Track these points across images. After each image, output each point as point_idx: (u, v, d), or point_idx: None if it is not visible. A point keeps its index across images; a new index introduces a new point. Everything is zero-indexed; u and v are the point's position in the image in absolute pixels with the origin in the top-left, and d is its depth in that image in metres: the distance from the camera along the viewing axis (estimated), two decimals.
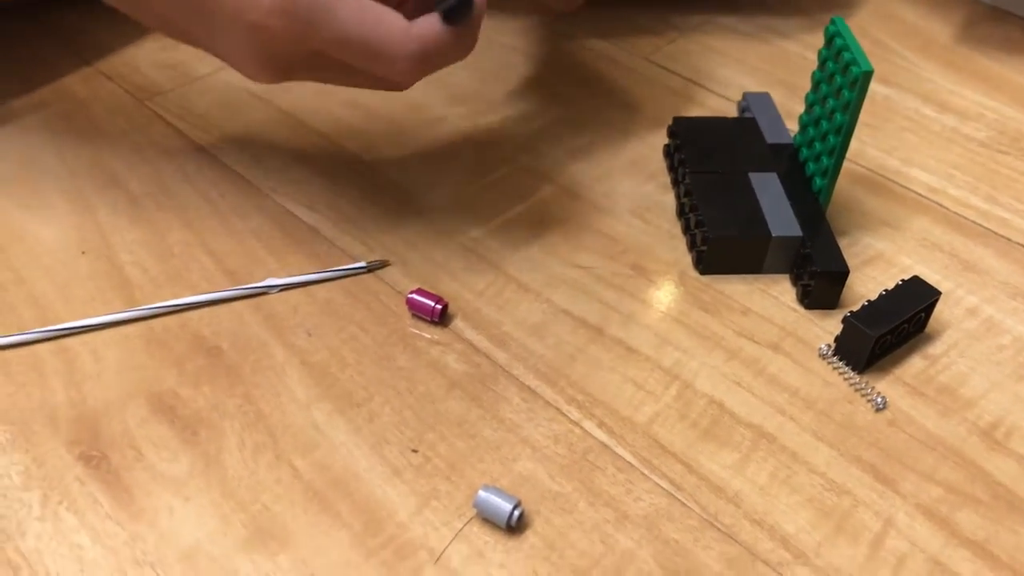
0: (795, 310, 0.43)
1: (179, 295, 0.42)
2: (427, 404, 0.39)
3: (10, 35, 0.58)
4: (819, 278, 0.42)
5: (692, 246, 0.46)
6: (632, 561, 0.34)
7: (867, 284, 0.45)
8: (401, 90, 0.41)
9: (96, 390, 0.38)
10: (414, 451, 0.37)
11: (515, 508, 0.34)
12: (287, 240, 0.45)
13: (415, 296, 0.41)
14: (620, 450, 0.37)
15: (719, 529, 0.35)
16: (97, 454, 0.36)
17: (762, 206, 0.44)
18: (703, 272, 0.45)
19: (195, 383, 0.39)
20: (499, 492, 0.34)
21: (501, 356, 0.41)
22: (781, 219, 0.44)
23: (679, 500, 0.36)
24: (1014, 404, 0.40)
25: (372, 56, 0.36)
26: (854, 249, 0.46)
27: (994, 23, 0.64)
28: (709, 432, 0.38)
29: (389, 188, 0.49)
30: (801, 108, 0.48)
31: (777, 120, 0.50)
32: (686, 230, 0.46)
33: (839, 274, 0.42)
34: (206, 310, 0.42)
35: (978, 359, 0.42)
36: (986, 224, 0.48)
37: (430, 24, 0.36)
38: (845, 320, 0.40)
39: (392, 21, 0.36)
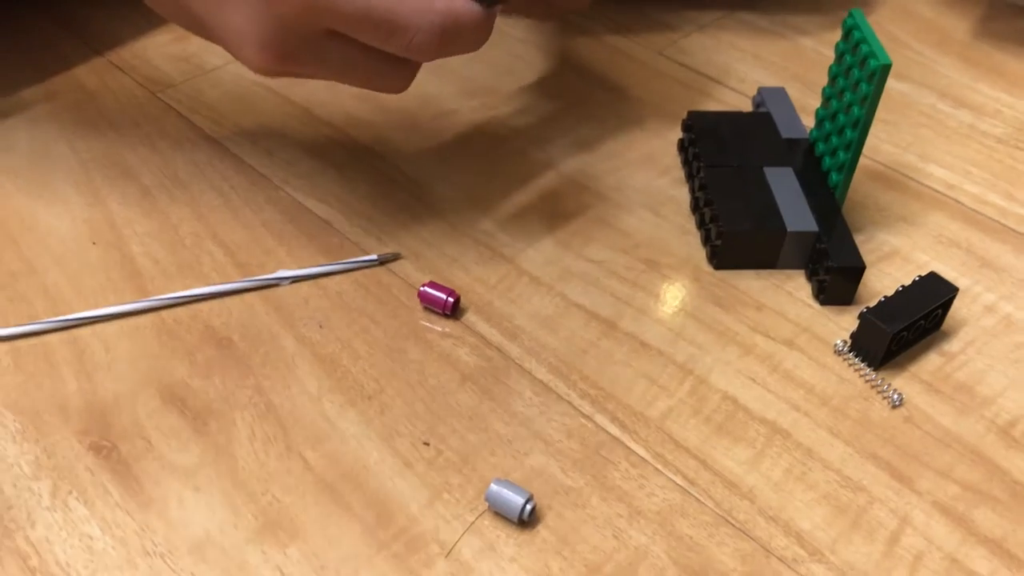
0: (810, 306, 0.43)
1: (190, 286, 0.42)
2: (439, 397, 0.38)
3: (22, 26, 0.58)
4: (835, 274, 0.42)
5: (706, 240, 0.45)
6: (645, 556, 0.34)
7: (883, 280, 0.44)
8: (399, 89, 0.40)
9: (107, 380, 0.38)
10: (425, 444, 0.37)
11: (527, 502, 0.34)
12: (299, 232, 0.45)
13: (427, 289, 0.41)
14: (633, 445, 0.37)
15: (733, 525, 0.35)
16: (107, 444, 0.36)
17: (777, 201, 0.44)
18: (717, 267, 0.44)
19: (206, 374, 0.39)
20: (511, 486, 0.34)
21: (513, 350, 0.40)
22: (797, 214, 0.43)
23: (693, 495, 0.36)
24: None
25: (391, 29, 0.36)
26: (870, 245, 0.46)
27: (1011, 18, 0.64)
28: (723, 427, 0.38)
29: (401, 181, 0.48)
30: (816, 103, 0.48)
31: (792, 115, 0.49)
32: (700, 224, 0.46)
33: (855, 270, 0.42)
34: (217, 302, 0.42)
35: (996, 356, 0.41)
36: (1004, 221, 0.48)
37: (454, 1, 0.36)
38: (861, 316, 0.40)
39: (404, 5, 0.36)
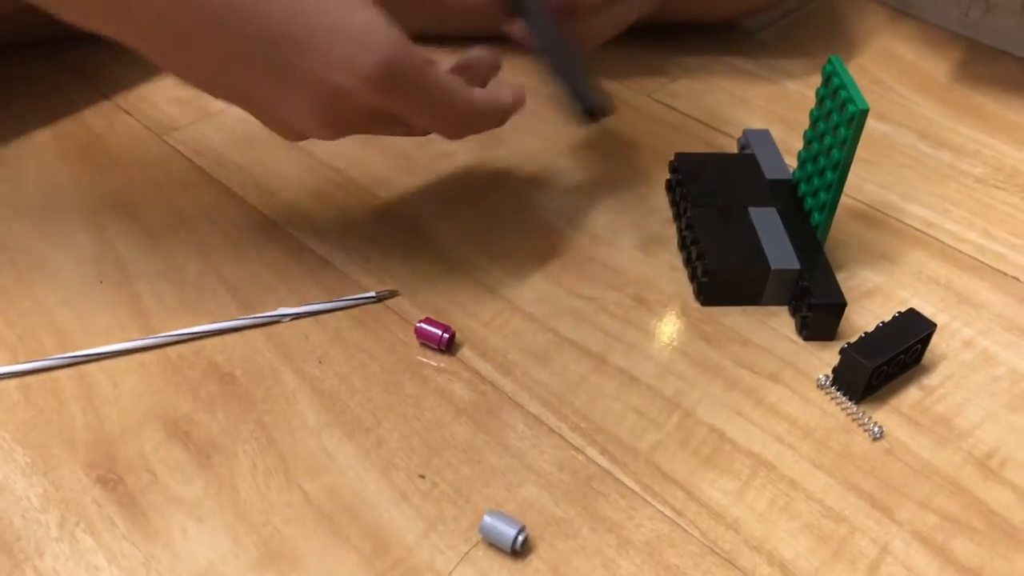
0: (794, 341, 0.44)
1: (195, 324, 0.43)
2: (434, 430, 0.40)
3: (31, 70, 0.60)
4: (817, 310, 0.43)
5: (693, 278, 0.47)
6: None
7: (865, 316, 0.46)
8: (456, 139, 0.44)
9: (113, 415, 0.39)
10: (421, 476, 0.38)
11: (519, 533, 0.35)
12: (299, 271, 0.47)
13: (423, 325, 0.43)
14: (623, 477, 0.38)
15: (719, 555, 0.36)
16: (114, 477, 0.37)
17: (761, 239, 0.46)
18: (704, 303, 0.46)
19: (209, 409, 0.40)
20: (504, 517, 0.35)
21: (507, 384, 0.42)
22: (780, 252, 0.45)
23: (680, 526, 0.37)
24: (1009, 434, 0.41)
25: (467, 122, 0.42)
26: (852, 282, 0.47)
27: (990, 62, 0.66)
28: (710, 460, 0.39)
29: (399, 220, 0.50)
30: (800, 145, 0.49)
31: (776, 156, 0.51)
32: (687, 262, 0.48)
33: (837, 306, 0.43)
34: (220, 338, 0.43)
35: (973, 390, 0.43)
36: (982, 258, 0.50)
37: (507, 95, 0.43)
38: (843, 352, 0.41)
39: (469, 89, 0.41)
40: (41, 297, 0.44)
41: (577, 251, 0.49)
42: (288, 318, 0.44)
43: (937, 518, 0.37)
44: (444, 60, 0.41)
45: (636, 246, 0.49)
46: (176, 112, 0.57)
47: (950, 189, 0.54)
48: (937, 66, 0.65)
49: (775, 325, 0.45)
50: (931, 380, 0.43)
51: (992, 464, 0.40)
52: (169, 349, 0.42)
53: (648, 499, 0.38)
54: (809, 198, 0.47)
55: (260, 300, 0.45)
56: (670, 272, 0.48)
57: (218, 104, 0.58)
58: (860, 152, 0.55)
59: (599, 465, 0.39)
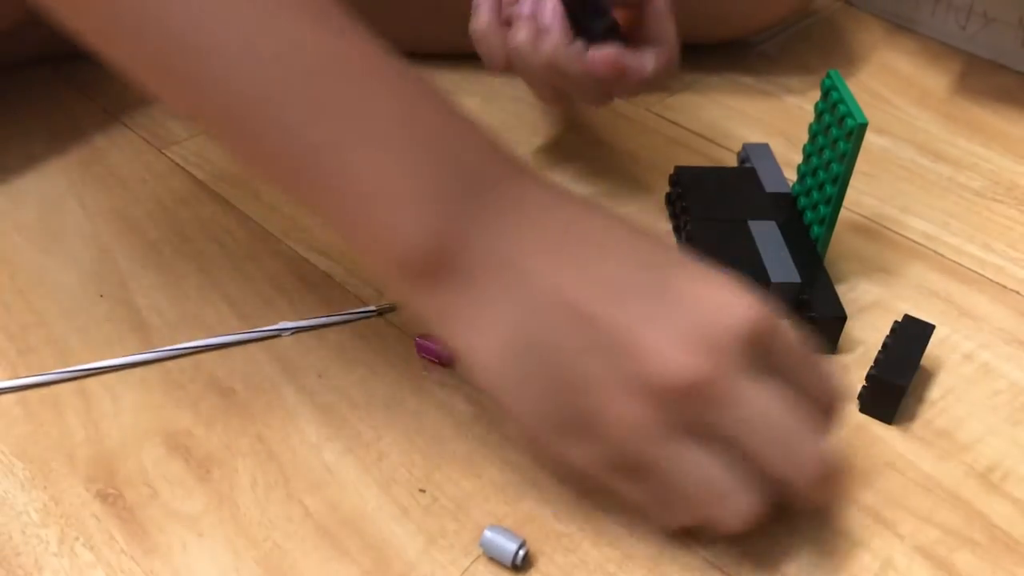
0: None
1: (194, 338, 0.43)
2: (434, 445, 0.40)
3: (33, 85, 0.60)
4: (817, 323, 0.43)
5: None
6: None
7: (865, 330, 0.46)
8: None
9: (113, 429, 0.39)
10: (422, 491, 0.38)
11: (520, 547, 0.35)
12: (300, 285, 0.47)
13: (423, 340, 0.43)
14: None
15: (721, 569, 0.36)
16: (113, 492, 0.37)
17: (761, 253, 0.46)
18: None
19: (209, 423, 0.40)
20: (504, 532, 0.35)
21: None
22: (780, 265, 0.45)
23: (682, 541, 0.37)
24: (1010, 448, 0.41)
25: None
26: (852, 295, 0.47)
27: (988, 75, 0.66)
28: None
29: None
30: (799, 158, 0.50)
31: (776, 170, 0.51)
32: None
33: (837, 319, 0.43)
34: (220, 352, 0.43)
35: (974, 404, 0.43)
36: (981, 271, 0.50)
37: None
38: (870, 377, 0.41)
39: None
40: (42, 311, 0.44)
41: None
42: (289, 332, 0.44)
43: (939, 532, 0.37)
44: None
45: None
46: (176, 126, 0.57)
47: (949, 202, 0.54)
48: (936, 80, 0.66)
49: None
50: (932, 393, 0.43)
51: (994, 478, 0.39)
52: (169, 363, 0.42)
53: None
54: (809, 211, 0.47)
55: (260, 314, 0.45)
56: None
57: None
58: (859, 165, 0.55)
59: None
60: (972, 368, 0.44)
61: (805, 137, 0.49)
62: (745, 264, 0.45)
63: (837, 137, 0.44)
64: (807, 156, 0.48)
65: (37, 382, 0.41)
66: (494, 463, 0.39)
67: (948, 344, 0.45)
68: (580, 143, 0.57)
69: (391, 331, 0.44)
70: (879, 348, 0.43)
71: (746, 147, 0.53)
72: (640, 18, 0.47)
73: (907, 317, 0.43)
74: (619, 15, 0.47)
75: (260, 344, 0.43)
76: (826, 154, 0.45)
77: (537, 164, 0.55)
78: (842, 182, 0.44)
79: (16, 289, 0.46)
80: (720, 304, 0.32)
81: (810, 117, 0.60)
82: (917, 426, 0.41)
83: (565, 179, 0.54)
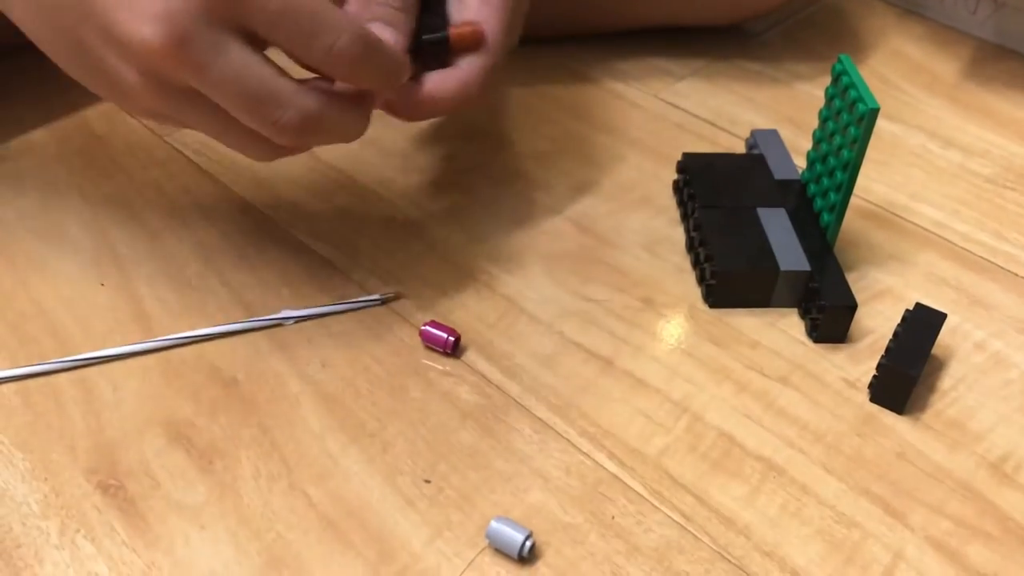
0: (804, 343, 0.44)
1: (196, 327, 0.43)
2: (440, 435, 0.39)
3: (31, 70, 0.59)
4: (827, 312, 0.43)
5: (701, 280, 0.46)
6: None
7: (875, 318, 0.45)
8: (267, 158, 0.39)
9: (114, 420, 0.39)
10: (427, 481, 0.37)
11: (527, 539, 0.35)
12: (302, 273, 0.46)
13: (428, 328, 0.42)
14: (631, 482, 0.38)
15: (729, 561, 0.35)
16: (115, 483, 0.37)
17: (770, 240, 0.45)
18: (712, 305, 0.45)
19: (211, 413, 0.39)
20: (511, 523, 0.35)
21: (513, 388, 0.41)
22: (789, 253, 0.44)
23: (690, 532, 0.36)
24: (1022, 438, 0.40)
25: (316, 29, 0.34)
26: (862, 283, 0.47)
27: (999, 61, 0.65)
28: (719, 464, 0.39)
29: (403, 222, 0.49)
30: (808, 145, 0.49)
31: (785, 156, 0.51)
32: (695, 264, 0.47)
33: (847, 308, 0.43)
34: (222, 341, 0.42)
35: (986, 393, 0.42)
36: (993, 259, 0.49)
37: (326, 85, 0.37)
38: (880, 367, 0.40)
39: (282, 79, 0.35)
40: (41, 300, 0.44)
41: (583, 253, 0.48)
42: (291, 321, 0.43)
43: (951, 523, 0.37)
44: None
45: (643, 248, 0.49)
46: None
47: (960, 189, 0.54)
48: (946, 65, 0.65)
49: (784, 327, 0.45)
50: (943, 383, 0.42)
51: (1006, 468, 0.39)
52: (170, 352, 0.42)
53: (657, 504, 0.37)
54: (818, 198, 0.47)
55: (262, 302, 0.44)
56: (678, 274, 0.47)
57: None
58: (869, 152, 0.54)
59: (607, 470, 0.38)
60: (984, 357, 0.44)
61: (814, 123, 0.48)
62: (754, 252, 0.45)
63: (848, 122, 0.43)
64: (817, 142, 0.47)
65: (37, 372, 0.40)
66: (500, 453, 0.38)
67: (959, 333, 0.45)
68: (586, 130, 0.57)
69: (395, 320, 0.44)
70: (890, 337, 0.42)
71: (754, 133, 0.52)
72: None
73: (918, 305, 0.42)
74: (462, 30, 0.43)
75: (263, 333, 0.43)
76: (837, 140, 0.44)
77: (543, 151, 0.55)
78: (853, 168, 0.43)
79: (16, 278, 0.45)
80: None
81: (819, 103, 0.59)
82: (928, 416, 0.41)
83: (571, 166, 0.54)
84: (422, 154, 0.54)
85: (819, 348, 0.44)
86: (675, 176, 0.52)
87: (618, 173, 0.54)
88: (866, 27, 0.69)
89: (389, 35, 0.41)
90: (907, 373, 0.40)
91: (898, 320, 0.43)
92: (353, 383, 0.41)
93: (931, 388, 0.42)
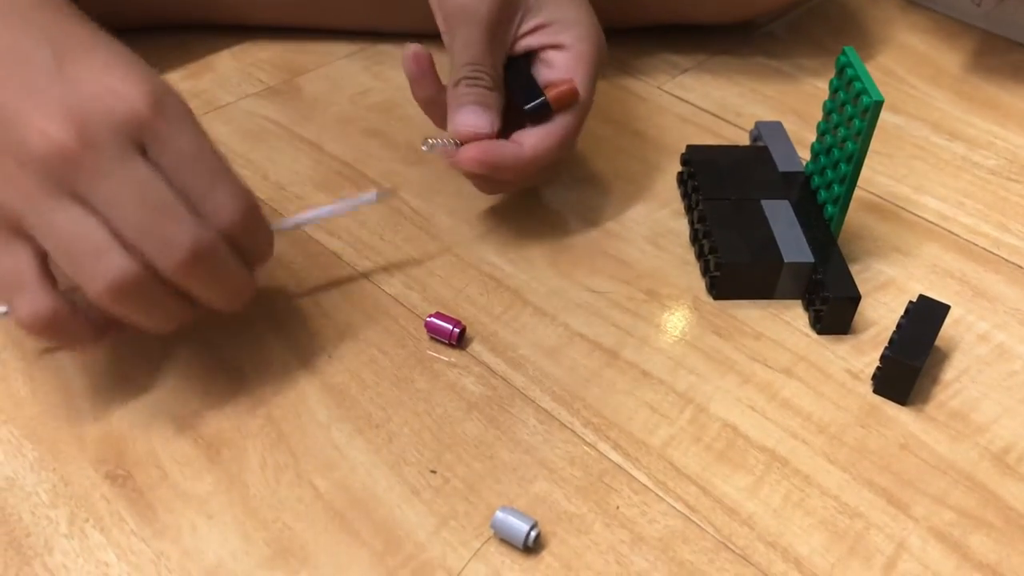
0: (807, 335, 0.44)
1: (202, 319, 0.43)
2: (445, 426, 0.39)
3: None
4: (831, 303, 0.43)
5: (705, 271, 0.46)
6: None
7: (878, 310, 0.45)
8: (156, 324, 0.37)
9: (122, 410, 0.39)
10: (432, 472, 0.38)
11: (532, 529, 0.35)
12: (309, 265, 0.46)
13: (433, 319, 0.42)
14: (635, 472, 0.38)
15: (733, 551, 0.35)
16: (123, 473, 0.37)
17: (774, 232, 0.45)
18: (716, 297, 0.45)
19: (218, 403, 0.40)
20: (516, 513, 0.35)
21: (518, 379, 0.41)
22: (793, 245, 0.45)
23: (694, 522, 0.36)
24: None
25: (161, 213, 0.33)
26: (866, 275, 0.47)
27: (1003, 53, 0.65)
28: (723, 455, 0.39)
29: (408, 214, 0.50)
30: (812, 137, 0.49)
31: (789, 148, 0.51)
32: (699, 256, 0.47)
33: (851, 299, 0.43)
34: (229, 333, 0.43)
35: (989, 385, 0.42)
36: (997, 251, 0.49)
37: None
38: (884, 358, 0.40)
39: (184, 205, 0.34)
40: None
41: (588, 245, 0.48)
42: (290, 226, 0.43)
43: (954, 514, 0.37)
44: None
45: (647, 239, 0.49)
46: None
47: (964, 181, 0.54)
48: (950, 57, 0.65)
49: (788, 318, 0.45)
50: (946, 374, 0.42)
51: (1009, 460, 0.39)
52: (178, 344, 0.42)
53: (661, 495, 0.37)
54: (823, 191, 0.47)
55: (268, 295, 0.45)
56: (682, 266, 0.47)
57: (225, 97, 0.57)
58: (873, 144, 0.54)
59: (611, 460, 0.38)
60: (987, 349, 0.44)
61: (818, 116, 0.48)
62: (758, 244, 0.45)
63: (852, 115, 0.43)
64: (821, 134, 0.47)
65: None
66: (505, 444, 0.39)
67: (963, 324, 0.45)
68: (591, 123, 0.57)
69: (401, 311, 0.44)
70: (893, 329, 0.42)
71: (759, 126, 0.53)
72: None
73: (922, 297, 0.43)
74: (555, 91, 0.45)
75: (269, 325, 0.43)
76: (841, 132, 0.45)
77: None
78: (857, 160, 0.43)
79: None
80: (109, 87, 0.33)
81: (823, 96, 0.60)
82: (931, 407, 0.41)
83: (575, 158, 0.54)
84: None
85: (823, 339, 0.44)
86: (679, 168, 0.52)
87: (622, 165, 0.54)
88: (871, 19, 0.69)
89: (486, 119, 0.43)
90: (911, 364, 0.40)
91: (902, 312, 0.43)
92: (359, 374, 0.41)
93: (934, 379, 0.42)
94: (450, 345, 0.42)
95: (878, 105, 0.41)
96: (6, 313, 0.36)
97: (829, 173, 0.46)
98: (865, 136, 0.42)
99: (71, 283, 0.34)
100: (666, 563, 0.35)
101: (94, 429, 0.38)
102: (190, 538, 0.35)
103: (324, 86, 0.59)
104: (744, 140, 0.56)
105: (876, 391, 0.41)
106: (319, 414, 0.39)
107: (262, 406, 0.40)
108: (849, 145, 0.44)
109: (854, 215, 0.50)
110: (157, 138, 0.34)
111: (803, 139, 0.55)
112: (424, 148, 0.44)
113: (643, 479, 0.38)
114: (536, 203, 0.51)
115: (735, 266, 0.44)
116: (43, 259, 0.35)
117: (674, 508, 0.37)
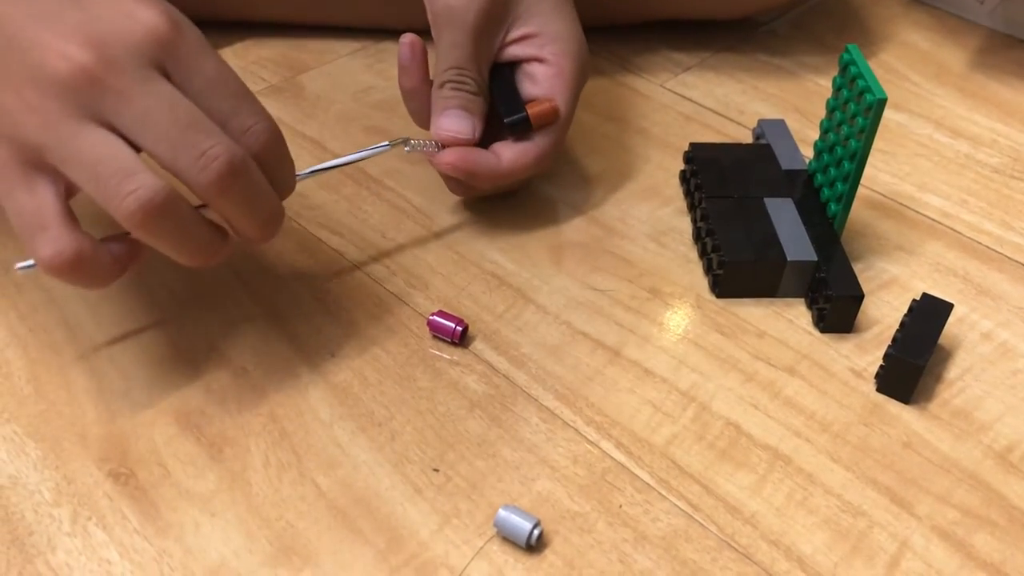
0: (811, 333, 0.44)
1: (205, 317, 0.43)
2: (448, 424, 0.39)
3: None
4: (834, 302, 0.43)
5: (708, 270, 0.46)
6: None
7: (881, 308, 0.45)
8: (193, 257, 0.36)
9: (124, 408, 0.39)
10: (435, 470, 0.38)
11: (535, 527, 0.35)
12: (312, 263, 0.46)
13: (436, 318, 0.42)
14: (638, 471, 0.38)
15: (736, 550, 0.35)
16: (125, 471, 0.37)
17: (777, 231, 0.45)
18: (719, 295, 0.45)
19: (221, 402, 0.40)
20: (519, 511, 0.35)
21: (520, 377, 0.41)
22: (796, 243, 0.44)
23: (697, 521, 0.36)
24: None
25: (191, 127, 0.33)
26: (869, 273, 0.47)
27: (1007, 50, 0.65)
28: (726, 454, 0.39)
29: (410, 212, 0.49)
30: (815, 135, 0.49)
31: (792, 147, 0.51)
32: (702, 254, 0.47)
33: (854, 298, 0.43)
34: (233, 331, 0.43)
35: (993, 383, 0.42)
36: (1000, 249, 0.49)
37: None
38: (887, 356, 0.40)
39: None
40: (52, 290, 0.44)
41: (591, 243, 0.48)
42: (305, 175, 0.42)
43: (957, 513, 0.37)
44: None
45: (650, 238, 0.49)
46: None
47: (967, 179, 0.54)
48: (953, 55, 0.65)
49: (791, 317, 0.45)
50: (949, 373, 0.42)
51: (1013, 458, 0.39)
52: (180, 341, 0.42)
53: (664, 493, 0.37)
54: (826, 188, 0.47)
55: (271, 293, 0.45)
56: (685, 264, 0.47)
57: None
58: (876, 142, 0.54)
59: (614, 459, 0.38)
60: (990, 347, 0.44)
61: (820, 113, 0.48)
62: (761, 242, 0.45)
63: (855, 112, 0.43)
64: (824, 132, 0.47)
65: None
66: (507, 442, 0.39)
67: (966, 323, 0.45)
68: (593, 120, 0.57)
69: (404, 309, 0.44)
70: (896, 327, 0.42)
71: (761, 123, 0.52)
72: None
73: (925, 296, 0.43)
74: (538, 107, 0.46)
75: (272, 322, 0.43)
76: (844, 130, 0.44)
77: None
78: (860, 158, 0.43)
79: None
80: (126, 12, 0.33)
81: (826, 93, 0.60)
82: (935, 406, 0.41)
83: (578, 156, 0.54)
84: None
85: (826, 338, 0.44)
86: (682, 166, 0.52)
87: (625, 163, 0.54)
88: (873, 16, 0.68)
89: (468, 124, 0.44)
90: (914, 363, 0.40)
91: (905, 310, 0.43)
92: (361, 373, 0.41)
93: (938, 378, 0.42)
94: (453, 343, 0.42)
95: (881, 103, 0.41)
96: (32, 265, 0.35)
97: (832, 171, 0.46)
98: (868, 134, 0.42)
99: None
100: (669, 562, 0.35)
101: (97, 427, 0.38)
102: (193, 536, 0.35)
103: (326, 84, 0.59)
104: (747, 138, 0.56)
105: (879, 390, 0.41)
106: (322, 412, 0.39)
107: (265, 404, 0.40)
108: (852, 143, 0.43)
109: (857, 213, 0.50)
110: (180, 61, 0.33)
111: (806, 137, 0.55)
112: (406, 149, 0.45)
113: (646, 478, 0.38)
114: (538, 201, 0.51)
115: (738, 264, 0.44)
116: (64, 197, 0.34)
117: (677, 507, 0.37)
